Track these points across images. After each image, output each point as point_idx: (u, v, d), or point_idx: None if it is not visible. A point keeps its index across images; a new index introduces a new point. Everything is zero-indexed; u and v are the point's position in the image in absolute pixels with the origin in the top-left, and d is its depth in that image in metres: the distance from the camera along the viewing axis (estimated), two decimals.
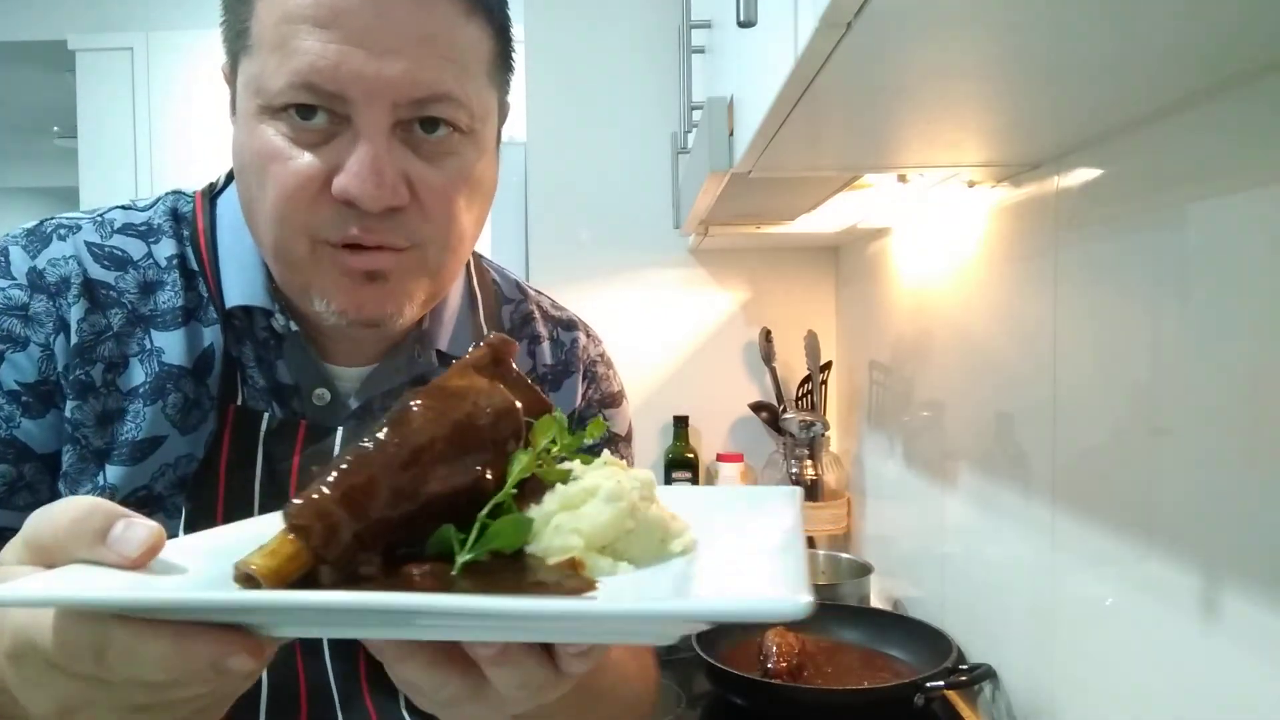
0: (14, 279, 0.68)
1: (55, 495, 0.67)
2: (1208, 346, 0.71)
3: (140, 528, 0.41)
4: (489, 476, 0.45)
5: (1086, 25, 0.54)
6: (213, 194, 0.76)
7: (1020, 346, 1.07)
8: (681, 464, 2.00)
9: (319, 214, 0.63)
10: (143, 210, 0.74)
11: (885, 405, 1.70)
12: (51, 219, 0.72)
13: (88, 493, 0.67)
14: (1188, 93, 0.71)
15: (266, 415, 0.70)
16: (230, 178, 0.75)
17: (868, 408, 1.81)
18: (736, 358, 2.08)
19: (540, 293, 0.90)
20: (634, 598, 0.41)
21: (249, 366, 0.71)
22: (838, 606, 1.42)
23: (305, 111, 0.61)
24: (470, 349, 0.52)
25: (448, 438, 0.44)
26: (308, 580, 0.41)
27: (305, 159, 0.62)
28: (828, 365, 2.01)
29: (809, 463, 1.88)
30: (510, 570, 0.43)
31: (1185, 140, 0.74)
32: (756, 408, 2.02)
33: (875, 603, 1.58)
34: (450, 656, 0.41)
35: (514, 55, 0.71)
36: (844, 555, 1.67)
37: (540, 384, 0.82)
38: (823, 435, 1.89)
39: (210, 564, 0.43)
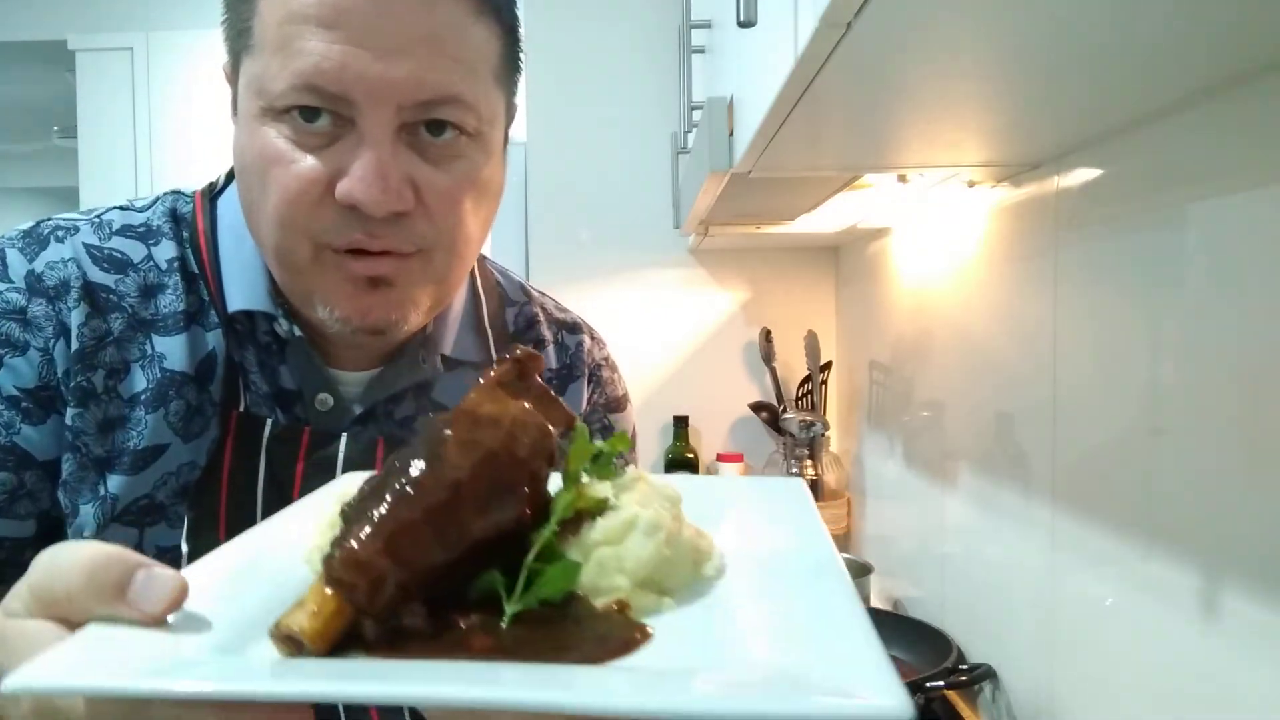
0: (11, 282, 0.66)
1: (56, 504, 0.67)
2: (1208, 346, 0.71)
3: (162, 580, 0.38)
4: (528, 510, 0.44)
5: (1086, 25, 0.54)
6: (213, 194, 0.74)
7: (1020, 346, 1.07)
8: (681, 464, 2.00)
9: (322, 219, 0.61)
10: (141, 211, 0.72)
11: (885, 405, 1.70)
12: (48, 220, 0.70)
13: (88, 502, 0.66)
14: (1188, 93, 0.71)
15: (269, 421, 0.68)
16: (230, 177, 0.73)
17: (868, 408, 1.80)
18: (736, 358, 2.08)
19: (544, 295, 0.88)
20: (689, 655, 0.37)
21: (251, 372, 0.70)
22: None
23: (309, 114, 0.59)
24: (494, 363, 0.49)
25: (486, 472, 0.42)
26: (349, 637, 0.38)
27: (308, 162, 0.60)
28: (828, 365, 2.01)
29: (809, 463, 1.88)
30: (560, 618, 0.41)
31: (1185, 140, 0.74)
32: (756, 408, 2.02)
33: (875, 603, 1.58)
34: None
35: (522, 56, 0.70)
36: (844, 555, 1.66)
37: None
38: (823, 435, 1.89)
39: (231, 600, 0.41)
